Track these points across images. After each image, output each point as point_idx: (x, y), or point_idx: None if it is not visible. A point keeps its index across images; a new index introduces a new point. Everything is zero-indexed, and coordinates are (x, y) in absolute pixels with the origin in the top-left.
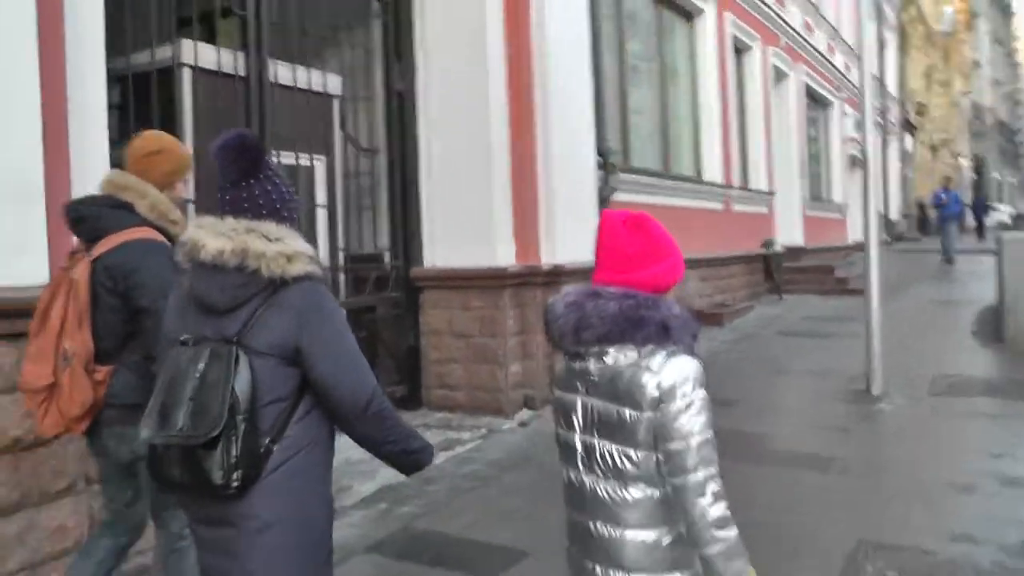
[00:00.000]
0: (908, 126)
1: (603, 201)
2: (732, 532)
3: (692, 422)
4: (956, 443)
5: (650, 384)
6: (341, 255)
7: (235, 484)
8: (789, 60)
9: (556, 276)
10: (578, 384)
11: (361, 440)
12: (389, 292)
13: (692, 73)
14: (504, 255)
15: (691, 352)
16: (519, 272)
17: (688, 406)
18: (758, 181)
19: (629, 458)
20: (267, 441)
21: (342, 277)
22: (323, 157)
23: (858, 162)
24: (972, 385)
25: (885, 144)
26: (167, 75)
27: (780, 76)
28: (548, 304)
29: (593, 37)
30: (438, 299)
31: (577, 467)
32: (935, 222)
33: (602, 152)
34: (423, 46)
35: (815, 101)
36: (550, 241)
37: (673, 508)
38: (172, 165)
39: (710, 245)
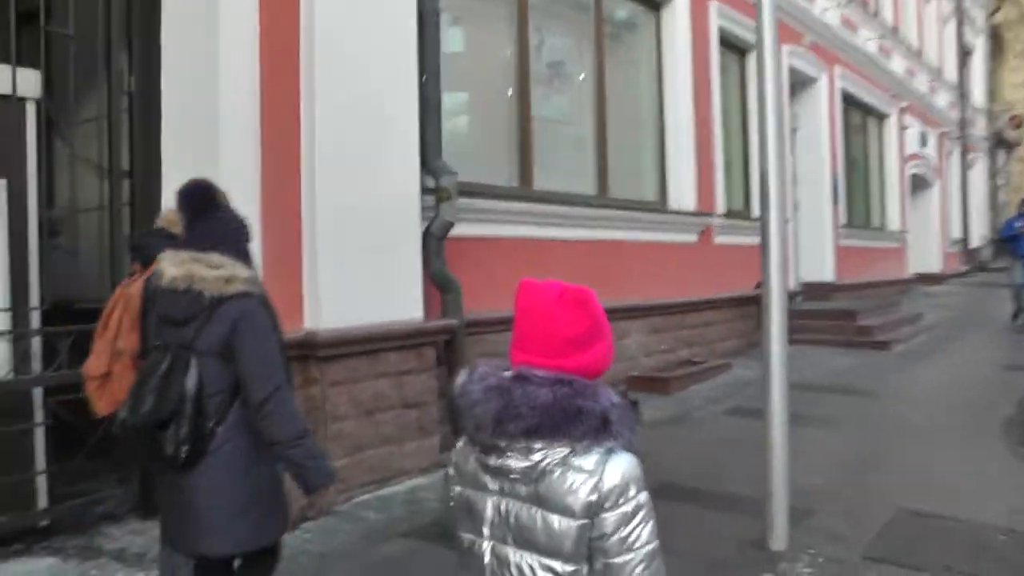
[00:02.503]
0: (1002, 141)
1: (431, 239)
2: None
3: (639, 531)
4: None
5: (586, 488)
6: (35, 314)
7: (183, 456)
8: (818, 61)
9: (310, 349)
10: (490, 482)
11: (265, 435)
12: None
13: (656, 79)
14: None
15: (630, 447)
16: None
17: (635, 513)
18: None
19: (552, 571)
20: (211, 424)
21: (35, 342)
22: (2, 180)
23: (923, 182)
24: (951, 543)
25: (966, 161)
26: None
27: (804, 81)
28: (457, 385)
29: (421, 22)
30: None
31: None
32: (1011, 258)
33: (433, 172)
34: (171, 30)
35: (863, 111)
36: (315, 298)
37: None
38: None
39: (676, 287)
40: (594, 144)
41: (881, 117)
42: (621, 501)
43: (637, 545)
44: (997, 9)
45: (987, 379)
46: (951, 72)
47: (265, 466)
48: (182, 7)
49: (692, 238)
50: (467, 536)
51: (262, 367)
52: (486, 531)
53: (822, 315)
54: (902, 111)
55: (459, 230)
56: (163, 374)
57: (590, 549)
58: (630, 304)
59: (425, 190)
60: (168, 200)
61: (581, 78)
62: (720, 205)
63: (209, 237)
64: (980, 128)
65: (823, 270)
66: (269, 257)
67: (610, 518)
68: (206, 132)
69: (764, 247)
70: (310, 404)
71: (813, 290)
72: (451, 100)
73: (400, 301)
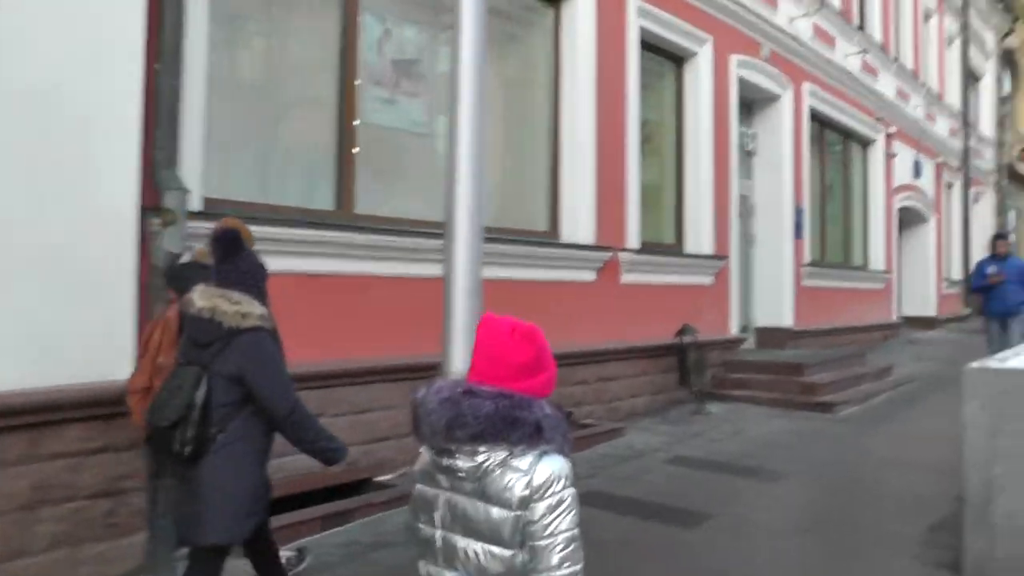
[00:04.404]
0: (1017, 175)
1: (156, 274)
2: None
3: (561, 520)
4: None
5: (520, 484)
6: None
7: (187, 453)
8: (781, 76)
9: None
10: (443, 480)
11: (289, 439)
12: None
13: (551, 86)
14: None
15: (561, 451)
16: None
17: (558, 504)
18: (699, 242)
19: (494, 556)
20: (214, 431)
21: None
22: None
23: (917, 217)
24: None
25: (969, 195)
26: None
27: (764, 98)
28: (418, 398)
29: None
30: None
31: (437, 563)
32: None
33: (159, 188)
34: None
35: (842, 135)
36: None
37: None
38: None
39: (563, 335)
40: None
41: (865, 143)
42: (548, 494)
43: (558, 531)
44: (1009, 32)
45: (935, 461)
46: (954, 97)
47: (255, 471)
48: None
49: (589, 276)
50: (424, 528)
51: (279, 389)
52: (438, 522)
53: (765, 368)
54: (890, 137)
55: None
56: (179, 385)
57: (523, 535)
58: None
59: (159, 210)
60: None
61: (440, 80)
62: (632, 238)
63: (232, 277)
64: (988, 160)
65: (780, 314)
66: None
67: (538, 508)
68: None
69: (447, 291)
70: None
71: (767, 337)
72: (235, 99)
73: (96, 357)
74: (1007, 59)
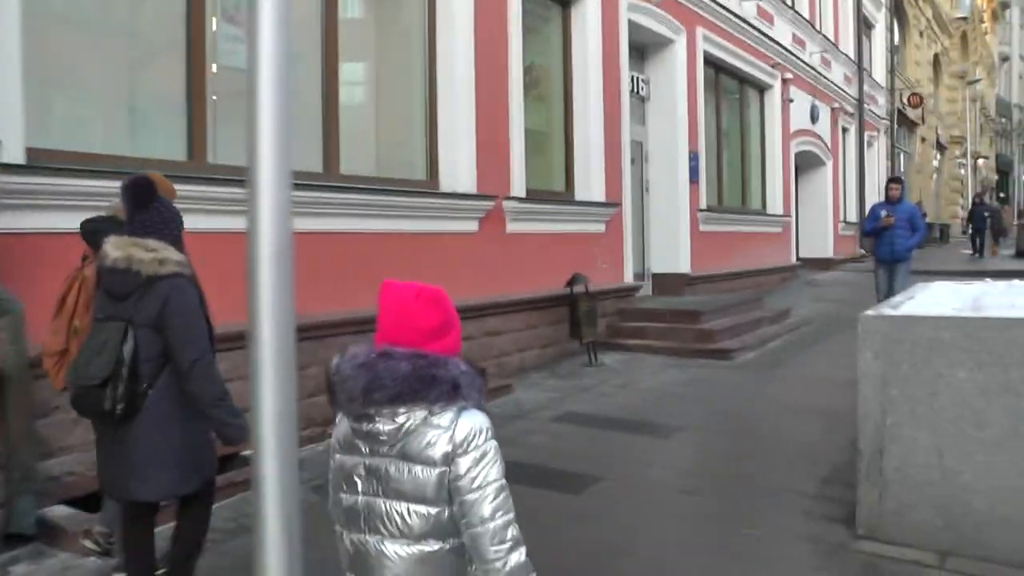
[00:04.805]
0: (906, 120)
1: None
2: None
3: (487, 472)
4: None
5: (442, 440)
6: None
7: (119, 411)
8: (674, 21)
9: None
10: (362, 445)
11: (191, 396)
12: None
13: (426, 26)
14: None
15: (479, 406)
16: None
17: (482, 456)
18: (590, 189)
19: (418, 514)
20: (144, 386)
21: None
22: None
23: (814, 160)
24: None
25: (863, 139)
26: None
27: (657, 43)
28: (332, 365)
29: None
30: None
31: (360, 529)
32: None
33: None
34: None
35: (738, 81)
36: None
37: (465, 558)
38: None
39: (449, 286)
40: (321, 106)
41: (762, 89)
42: (471, 448)
43: (486, 483)
44: None
45: (830, 406)
46: (848, 45)
47: (191, 425)
48: None
49: (471, 226)
50: (345, 496)
51: (189, 337)
52: (360, 488)
53: (660, 316)
54: (786, 82)
55: (56, 222)
56: (104, 342)
57: (450, 492)
58: (358, 315)
59: None
60: None
61: (300, 17)
62: (518, 185)
63: (146, 226)
64: (880, 106)
65: (677, 260)
66: None
67: (463, 462)
68: None
69: (250, 247)
70: None
71: (664, 284)
72: (64, 36)
73: None
74: (897, 9)
